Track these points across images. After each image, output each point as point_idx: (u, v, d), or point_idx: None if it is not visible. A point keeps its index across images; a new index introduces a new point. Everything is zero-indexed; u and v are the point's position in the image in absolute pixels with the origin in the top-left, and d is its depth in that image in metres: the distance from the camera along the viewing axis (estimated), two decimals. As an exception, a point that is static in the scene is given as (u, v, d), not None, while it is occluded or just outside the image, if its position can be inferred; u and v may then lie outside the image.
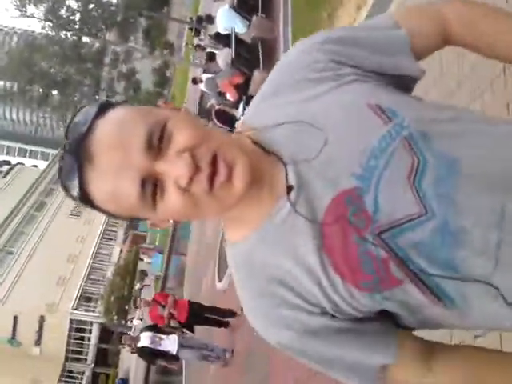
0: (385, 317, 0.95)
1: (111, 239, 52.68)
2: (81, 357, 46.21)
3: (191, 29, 22.15)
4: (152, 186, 0.83)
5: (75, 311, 43.46)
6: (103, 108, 0.87)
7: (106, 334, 43.12)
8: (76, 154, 0.82)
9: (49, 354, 41.70)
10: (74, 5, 37.11)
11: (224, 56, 10.59)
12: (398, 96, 0.97)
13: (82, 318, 44.04)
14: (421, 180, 0.86)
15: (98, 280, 46.38)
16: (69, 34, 35.90)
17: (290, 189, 0.89)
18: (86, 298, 45.31)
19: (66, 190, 0.86)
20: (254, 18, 10.51)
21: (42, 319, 42.26)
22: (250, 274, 0.95)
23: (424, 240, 0.85)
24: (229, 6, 10.93)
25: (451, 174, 0.86)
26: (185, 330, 9.47)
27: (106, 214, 0.90)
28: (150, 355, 8.56)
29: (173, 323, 9.20)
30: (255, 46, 10.11)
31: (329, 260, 0.89)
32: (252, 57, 10.24)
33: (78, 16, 36.65)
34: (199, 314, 9.14)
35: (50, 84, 34.49)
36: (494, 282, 0.85)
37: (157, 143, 0.83)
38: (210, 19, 14.30)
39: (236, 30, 10.53)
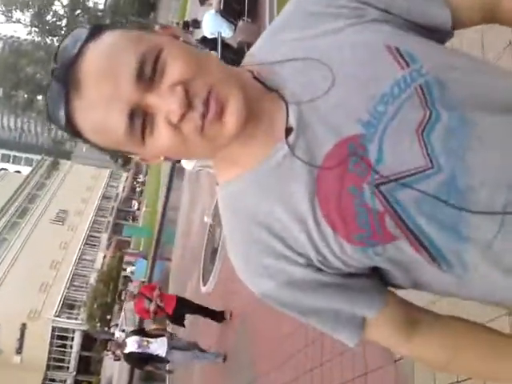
0: (374, 274, 0.91)
1: (95, 245, 52.12)
2: (63, 365, 45.60)
3: (178, 34, 22.13)
4: (141, 120, 0.78)
5: (57, 318, 42.97)
6: (95, 31, 0.80)
7: (88, 341, 42.60)
8: (63, 82, 0.77)
9: (30, 363, 41.04)
10: (61, 10, 37.01)
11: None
12: (422, 42, 0.88)
13: (65, 326, 43.56)
14: (430, 133, 0.81)
15: (81, 287, 45.95)
16: (55, 39, 35.76)
17: (289, 130, 0.84)
18: (68, 305, 44.87)
19: (53, 119, 0.82)
20: (240, 23, 10.62)
21: (23, 327, 41.72)
22: (238, 215, 0.91)
23: (427, 195, 0.80)
24: (215, 11, 10.96)
25: (463, 130, 0.81)
26: (174, 324, 9.21)
27: (94, 146, 0.85)
28: (139, 360, 8.28)
29: (157, 325, 9.05)
30: (241, 50, 10.15)
31: (321, 209, 0.84)
32: (238, 60, 10.23)
33: (64, 21, 36.55)
34: (188, 305, 8.95)
35: (36, 89, 34.31)
36: (495, 246, 0.81)
37: (149, 74, 0.77)
38: (197, 24, 14.33)
39: (222, 35, 10.56)
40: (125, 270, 33.78)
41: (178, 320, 9.11)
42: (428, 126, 0.81)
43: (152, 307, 8.41)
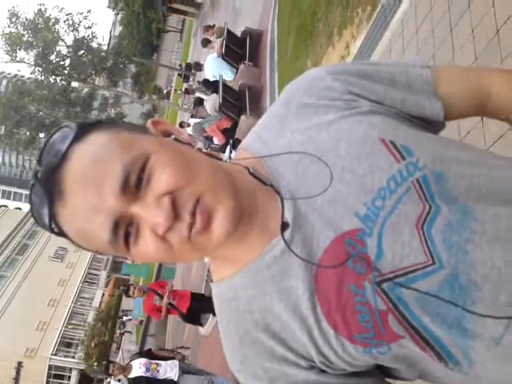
0: (378, 370, 0.89)
1: (94, 283, 51.54)
2: (59, 405, 44.66)
3: (180, 75, 22.59)
4: (125, 231, 0.76)
5: (54, 357, 42.25)
6: (82, 131, 0.79)
7: (85, 380, 41.83)
8: (47, 187, 0.76)
9: (25, 402, 40.25)
10: (64, 50, 37.58)
11: (212, 102, 10.74)
12: (416, 134, 0.87)
13: (61, 364, 42.74)
14: (430, 227, 0.79)
15: (79, 325, 45.26)
16: (58, 78, 36.22)
17: (285, 226, 0.82)
18: (65, 344, 44.06)
19: (38, 219, 0.81)
20: (242, 66, 10.82)
21: (19, 365, 40.98)
22: (234, 315, 0.88)
23: (430, 293, 0.78)
24: (217, 55, 11.18)
25: (464, 223, 0.79)
26: (189, 323, 8.27)
27: (80, 247, 0.83)
28: None
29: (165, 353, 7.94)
30: (242, 93, 10.30)
31: (321, 308, 0.81)
32: (239, 103, 10.43)
33: (67, 61, 37.08)
34: (204, 301, 7.83)
35: (38, 127, 34.57)
36: (504, 342, 0.78)
37: (134, 184, 0.75)
38: (199, 66, 14.61)
39: (224, 77, 10.75)
40: (121, 317, 33.33)
41: (194, 319, 8.20)
42: (428, 219, 0.79)
43: (164, 301, 7.44)
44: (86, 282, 51.59)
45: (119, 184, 0.74)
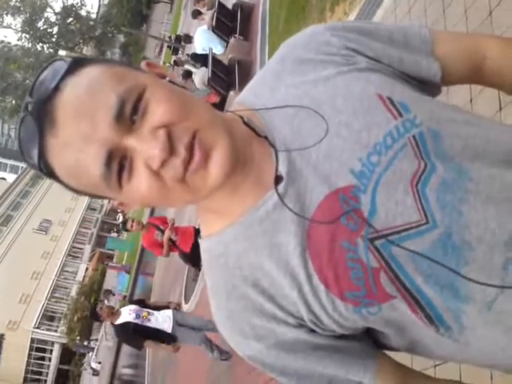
0: (367, 336, 0.88)
1: (77, 257, 51.54)
2: (40, 377, 45.07)
3: (169, 47, 22.26)
4: (118, 164, 0.73)
5: (37, 330, 42.35)
6: (75, 65, 0.75)
7: (67, 354, 42.06)
8: (38, 118, 0.72)
9: (7, 374, 40.35)
10: (53, 18, 36.95)
11: (201, 75, 10.59)
12: (415, 93, 0.86)
13: (44, 338, 42.95)
14: (425, 185, 0.78)
15: (62, 298, 45.39)
16: (45, 46, 35.66)
17: (279, 179, 0.80)
18: (48, 317, 44.30)
19: (26, 155, 0.76)
20: (232, 40, 10.71)
21: (1, 337, 41.05)
22: (222, 270, 0.85)
23: (423, 252, 0.77)
24: (207, 27, 10.97)
25: (458, 182, 0.79)
26: (188, 264, 7.56)
27: (67, 188, 0.79)
28: (136, 334, 6.11)
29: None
30: (232, 67, 10.16)
31: (313, 264, 0.79)
32: (228, 77, 10.26)
33: (55, 29, 36.49)
34: None
35: (24, 95, 34.20)
36: (495, 307, 0.77)
37: (129, 115, 0.72)
38: (188, 39, 14.35)
39: (213, 51, 10.55)
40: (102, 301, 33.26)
41: (196, 259, 6.68)
42: (423, 177, 0.78)
43: (165, 239, 6.51)
44: (70, 255, 51.61)
45: (113, 113, 0.71)
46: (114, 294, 28.41)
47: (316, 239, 0.79)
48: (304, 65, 0.87)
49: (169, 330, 6.14)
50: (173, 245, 6.59)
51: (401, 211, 0.78)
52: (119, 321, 6.12)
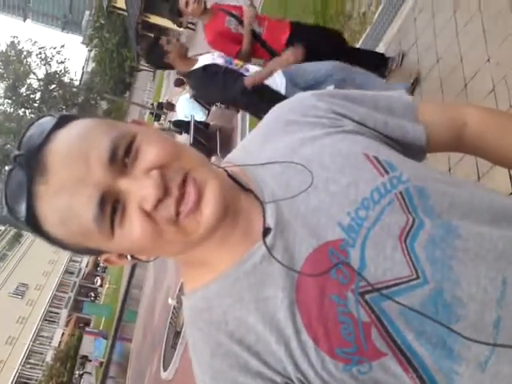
0: None
1: (54, 321, 49.92)
2: None
3: (152, 114, 22.68)
4: (111, 207, 0.72)
5: (9, 398, 40.51)
6: (63, 119, 0.76)
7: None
8: (28, 167, 0.71)
9: None
10: (36, 84, 37.43)
11: (183, 142, 10.73)
12: (398, 154, 0.88)
13: (16, 407, 41.03)
14: (413, 241, 0.77)
15: (37, 364, 43.70)
16: (27, 111, 35.95)
17: (267, 231, 0.79)
18: (22, 384, 42.45)
19: (11, 211, 0.74)
20: (214, 108, 10.87)
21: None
22: (206, 327, 0.82)
23: (412, 310, 0.75)
24: (189, 95, 11.24)
25: (447, 240, 0.78)
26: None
27: (53, 242, 0.77)
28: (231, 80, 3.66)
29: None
30: (213, 134, 10.34)
31: (302, 318, 0.77)
32: (210, 144, 10.45)
33: (38, 95, 36.90)
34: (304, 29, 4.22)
35: (4, 160, 34.08)
36: (491, 368, 0.75)
37: (121, 157, 0.72)
38: (171, 106, 14.66)
39: (195, 118, 10.78)
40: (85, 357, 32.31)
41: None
42: (411, 233, 0.78)
43: (245, 31, 3.89)
44: (46, 320, 50.03)
45: (107, 156, 0.71)
46: (90, 360, 27.57)
47: (305, 293, 0.77)
48: (292, 125, 0.89)
49: (283, 92, 3.71)
50: (261, 44, 3.98)
51: (390, 266, 0.76)
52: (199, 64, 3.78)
